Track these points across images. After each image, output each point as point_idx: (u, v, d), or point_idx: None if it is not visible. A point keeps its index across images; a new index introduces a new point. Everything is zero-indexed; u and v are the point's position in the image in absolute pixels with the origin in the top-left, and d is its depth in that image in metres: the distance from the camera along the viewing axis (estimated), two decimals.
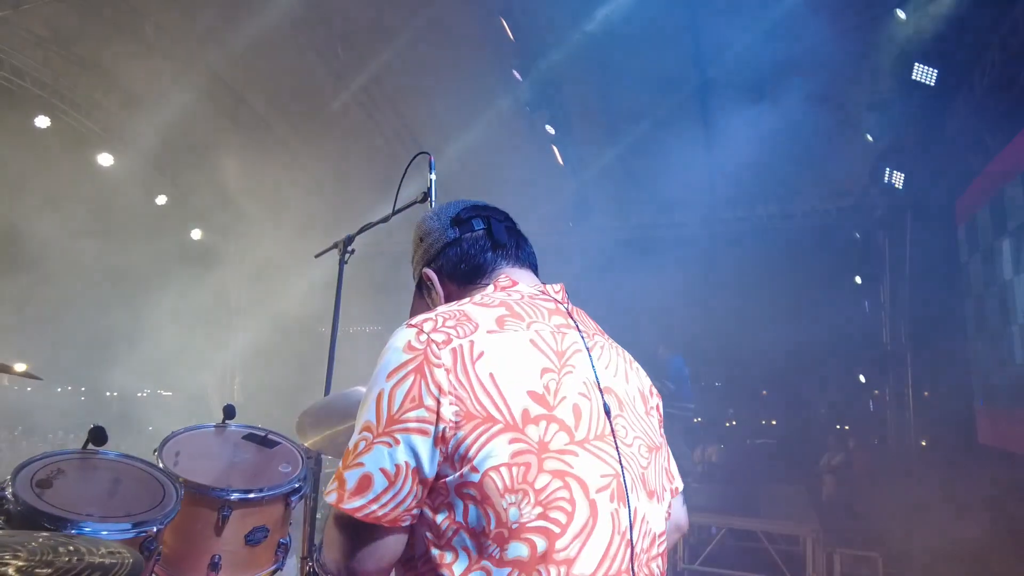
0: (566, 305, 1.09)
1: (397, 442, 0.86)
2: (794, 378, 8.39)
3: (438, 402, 0.86)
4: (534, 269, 1.17)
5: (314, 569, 1.99)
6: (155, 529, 1.70)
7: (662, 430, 1.13)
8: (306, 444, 1.83)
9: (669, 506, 1.08)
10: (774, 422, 9.23)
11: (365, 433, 0.89)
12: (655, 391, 1.15)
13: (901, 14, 5.18)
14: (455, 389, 0.87)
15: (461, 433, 0.85)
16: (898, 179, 6.83)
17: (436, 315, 0.95)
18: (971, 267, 6.13)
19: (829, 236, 8.35)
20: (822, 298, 7.84)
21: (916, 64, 5.43)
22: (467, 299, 1.03)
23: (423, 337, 0.91)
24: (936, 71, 5.42)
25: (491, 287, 1.08)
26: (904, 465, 7.30)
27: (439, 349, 0.90)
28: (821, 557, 4.30)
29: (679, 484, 1.19)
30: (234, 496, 1.97)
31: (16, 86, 7.23)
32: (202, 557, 1.94)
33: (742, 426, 9.31)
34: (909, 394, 7.55)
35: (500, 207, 1.22)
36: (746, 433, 9.24)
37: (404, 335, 0.93)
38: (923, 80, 5.48)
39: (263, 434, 2.34)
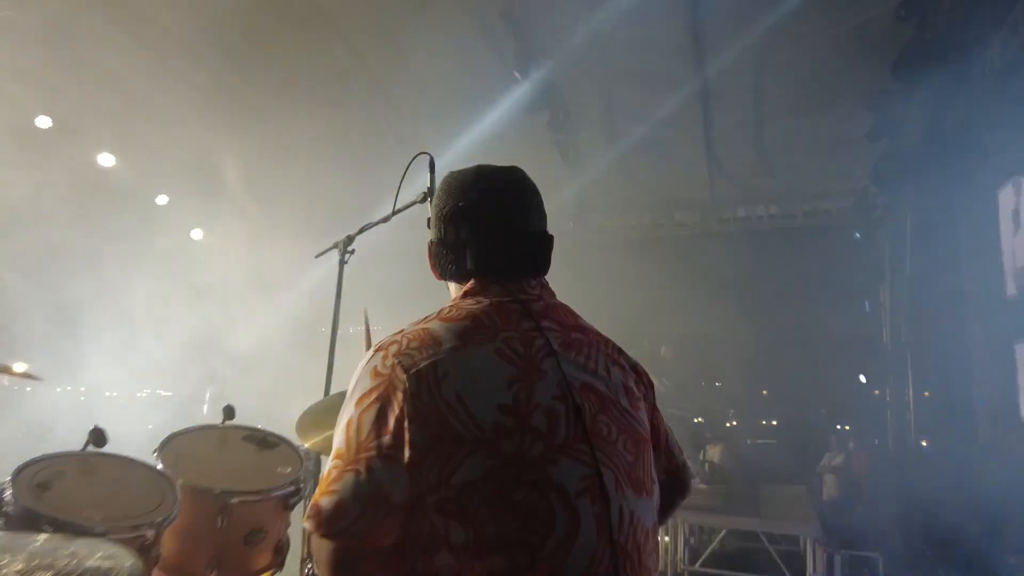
0: (542, 303, 1.07)
1: (367, 469, 0.87)
2: (794, 378, 8.39)
3: (404, 428, 0.87)
4: (530, 264, 1.13)
5: (314, 571, 1.99)
6: (154, 531, 1.70)
7: (655, 415, 1.12)
8: (305, 445, 1.83)
9: (666, 487, 1.08)
10: (774, 422, 9.23)
11: (336, 461, 0.90)
12: (644, 380, 1.13)
13: (902, 13, 5.18)
14: (420, 413, 0.88)
15: (432, 456, 0.86)
16: (898, 179, 6.83)
17: (402, 336, 0.97)
18: None
19: (829, 236, 8.35)
20: (822, 298, 7.84)
21: (916, 64, 5.43)
22: (435, 314, 1.03)
23: (388, 362, 0.93)
24: (936, 71, 5.42)
25: (461, 294, 1.08)
26: (904, 465, 7.31)
27: (403, 374, 0.91)
28: (821, 557, 4.29)
29: (681, 459, 1.21)
30: (233, 497, 1.97)
31: (16, 86, 7.21)
32: (201, 558, 1.94)
33: (742, 426, 9.31)
34: (909, 394, 7.54)
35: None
36: (746, 433, 9.24)
37: (372, 360, 0.95)
38: (923, 80, 5.48)
39: (262, 435, 2.34)
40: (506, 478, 0.85)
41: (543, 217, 1.17)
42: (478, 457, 0.86)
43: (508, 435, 0.87)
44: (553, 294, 1.14)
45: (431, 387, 0.89)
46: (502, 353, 0.95)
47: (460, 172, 1.16)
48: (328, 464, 0.91)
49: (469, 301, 1.04)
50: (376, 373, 0.93)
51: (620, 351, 1.13)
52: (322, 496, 0.89)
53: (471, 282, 1.08)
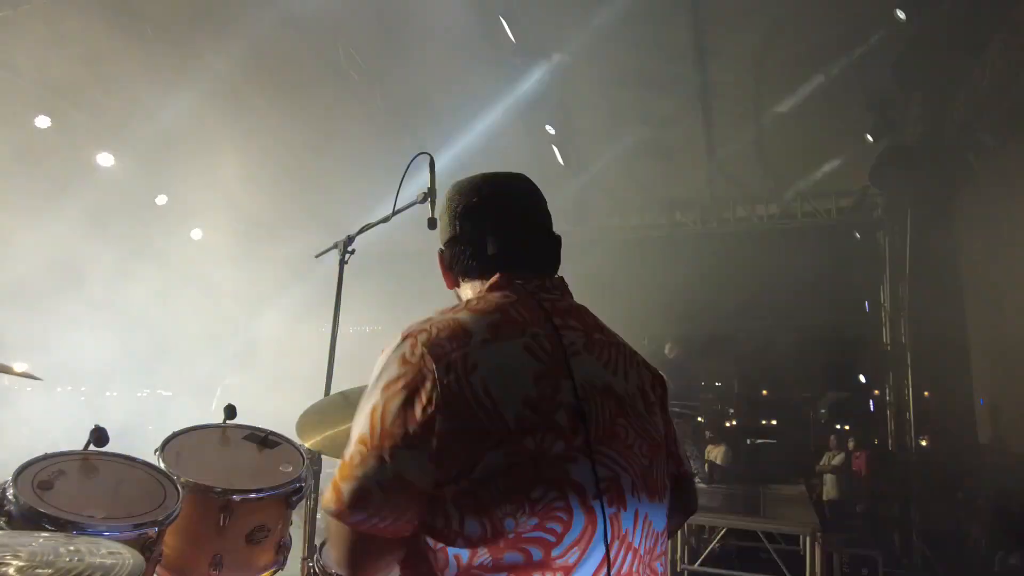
0: (565, 303, 1.08)
1: (391, 457, 0.87)
2: (794, 378, 8.39)
3: (431, 417, 0.87)
4: (545, 260, 1.14)
5: (315, 569, 1.99)
6: (156, 530, 1.70)
7: (666, 418, 1.12)
8: (307, 444, 1.83)
9: (670, 499, 1.06)
10: (774, 422, 9.23)
11: (359, 446, 0.90)
12: (658, 383, 1.14)
13: (901, 14, 5.18)
14: (448, 404, 0.88)
15: (456, 447, 0.86)
16: (898, 178, 6.83)
17: (431, 325, 0.96)
18: None
19: (829, 236, 8.35)
20: (822, 298, 7.84)
21: (916, 65, 5.43)
22: (463, 304, 1.03)
23: (418, 351, 0.92)
24: (936, 72, 5.42)
25: (487, 287, 1.07)
26: (904, 465, 7.31)
27: (433, 363, 0.90)
28: (821, 557, 4.29)
29: (687, 468, 1.19)
30: (235, 496, 1.97)
31: (16, 86, 7.22)
32: (203, 557, 1.94)
33: (742, 426, 9.31)
34: (909, 394, 7.55)
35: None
36: (746, 433, 9.24)
37: (400, 347, 0.94)
38: (923, 80, 5.48)
39: (264, 434, 2.33)
40: (526, 474, 0.86)
41: (550, 218, 1.20)
42: (500, 452, 0.86)
43: (531, 432, 0.88)
44: (572, 296, 1.14)
45: (460, 378, 0.89)
46: (530, 349, 0.96)
47: (467, 178, 1.18)
48: (350, 449, 0.91)
49: (496, 295, 1.04)
50: (404, 361, 0.92)
51: (636, 354, 1.13)
52: (343, 480, 0.89)
53: (496, 276, 1.07)
